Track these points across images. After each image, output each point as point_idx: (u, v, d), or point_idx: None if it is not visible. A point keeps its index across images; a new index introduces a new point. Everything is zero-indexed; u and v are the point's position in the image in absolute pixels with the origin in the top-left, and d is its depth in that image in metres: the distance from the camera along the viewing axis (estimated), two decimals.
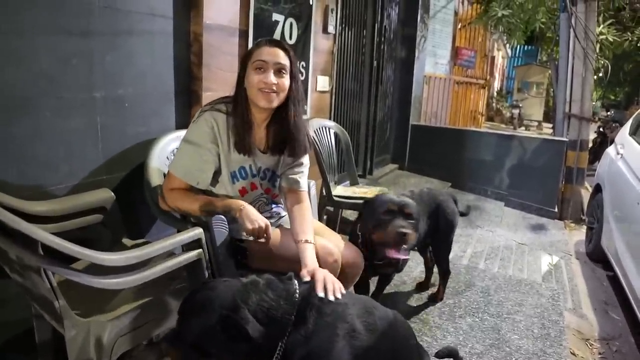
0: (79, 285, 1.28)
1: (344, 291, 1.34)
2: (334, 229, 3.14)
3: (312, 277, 1.37)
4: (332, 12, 3.40)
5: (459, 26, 7.40)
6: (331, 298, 1.27)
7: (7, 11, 1.51)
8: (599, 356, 2.51)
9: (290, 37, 2.91)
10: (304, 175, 1.76)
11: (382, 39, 4.79)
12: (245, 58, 1.62)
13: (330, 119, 3.65)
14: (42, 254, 1.10)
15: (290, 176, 1.73)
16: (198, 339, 1.14)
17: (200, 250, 1.43)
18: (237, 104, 1.60)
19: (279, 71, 1.57)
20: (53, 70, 1.68)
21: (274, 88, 1.56)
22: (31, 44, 1.60)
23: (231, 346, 1.13)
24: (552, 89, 7.89)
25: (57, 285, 1.21)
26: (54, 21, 1.66)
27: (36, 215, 1.51)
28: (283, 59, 1.58)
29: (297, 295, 1.23)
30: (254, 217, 1.54)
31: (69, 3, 1.69)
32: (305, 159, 1.78)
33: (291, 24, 2.88)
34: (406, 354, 1.46)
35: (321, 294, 1.27)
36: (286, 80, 1.59)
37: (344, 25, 3.95)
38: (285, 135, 1.66)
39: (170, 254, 1.46)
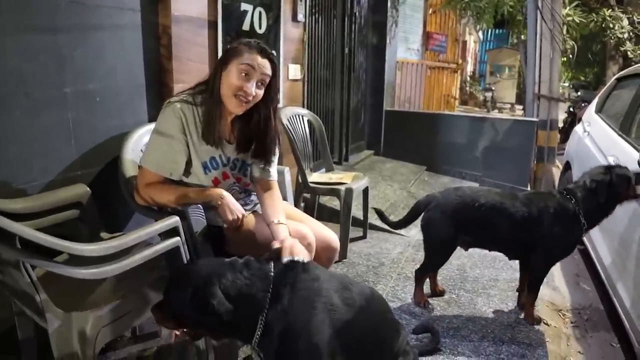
0: (58, 279, 1.30)
1: (309, 258, 1.40)
2: (311, 214, 3.20)
3: (282, 245, 1.41)
4: (300, 1, 3.42)
5: (430, 11, 7.47)
6: (297, 258, 1.34)
7: None
8: (571, 325, 2.62)
9: (260, 27, 2.92)
10: (274, 164, 1.80)
11: (353, 25, 4.82)
12: (230, 52, 1.60)
13: (303, 107, 3.68)
14: (20, 247, 1.12)
15: (261, 166, 1.77)
16: (176, 310, 1.25)
17: (178, 238, 1.45)
18: (211, 95, 1.61)
19: (260, 82, 1.60)
20: (21, 68, 1.66)
21: (249, 98, 1.58)
22: None
23: (202, 319, 1.22)
24: (523, 72, 8.06)
25: (37, 280, 1.22)
26: (20, 19, 1.64)
27: (12, 213, 1.51)
28: (268, 70, 1.61)
29: (271, 273, 1.27)
30: (234, 208, 1.58)
31: (33, 0, 1.68)
32: (276, 149, 1.81)
33: (260, 13, 2.89)
34: (384, 327, 1.51)
35: (286, 258, 1.34)
36: (261, 91, 1.62)
37: (314, 13, 3.97)
38: (255, 139, 1.71)
39: (148, 245, 1.49)
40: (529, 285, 2.34)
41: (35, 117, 1.73)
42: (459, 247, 2.37)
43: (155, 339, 2.00)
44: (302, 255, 1.37)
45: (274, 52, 1.68)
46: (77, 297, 1.40)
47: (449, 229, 2.26)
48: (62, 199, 1.71)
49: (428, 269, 2.46)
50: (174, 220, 1.44)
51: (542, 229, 2.17)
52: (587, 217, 2.16)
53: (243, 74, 1.57)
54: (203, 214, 1.62)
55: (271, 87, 1.65)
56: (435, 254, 2.39)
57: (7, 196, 1.58)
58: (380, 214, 2.65)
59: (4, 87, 1.62)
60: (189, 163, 1.65)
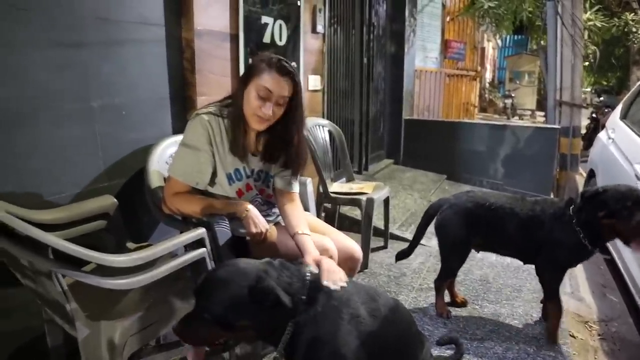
0: (87, 289, 1.33)
1: (346, 279, 1.39)
2: (332, 224, 3.21)
3: (318, 264, 1.40)
4: (320, 12, 3.45)
5: (448, 19, 7.46)
6: (336, 287, 1.30)
7: (1, 27, 1.55)
8: (598, 337, 2.56)
9: (280, 39, 2.95)
10: (296, 178, 1.82)
11: (371, 35, 4.84)
12: (252, 70, 1.62)
13: (323, 117, 3.70)
14: (52, 258, 1.15)
15: (284, 177, 1.78)
16: (225, 310, 1.17)
17: (204, 249, 1.48)
18: (234, 111, 1.64)
19: (278, 102, 1.61)
20: (50, 82, 1.72)
21: (266, 118, 1.61)
22: (27, 59, 1.64)
23: (258, 315, 1.18)
24: (543, 78, 7.97)
25: (68, 289, 1.26)
26: (48, 35, 1.70)
27: (42, 224, 1.55)
28: (288, 91, 1.61)
29: (307, 277, 1.28)
30: (258, 221, 1.60)
31: (61, 16, 1.73)
32: None
33: (280, 26, 2.93)
34: (408, 339, 1.51)
35: (326, 283, 1.31)
36: (280, 110, 1.63)
37: (333, 24, 4.00)
38: (280, 151, 1.72)
39: (173, 256, 1.51)
40: (544, 295, 2.31)
41: (63, 130, 1.78)
42: (477, 255, 2.39)
43: (179, 348, 2.03)
44: (341, 279, 1.35)
45: (294, 64, 1.70)
46: (105, 306, 1.43)
47: (462, 229, 2.27)
48: (90, 210, 1.76)
49: (445, 275, 2.45)
50: (201, 231, 1.46)
51: (542, 232, 2.13)
52: (585, 231, 2.03)
53: (262, 97, 1.58)
54: (228, 225, 1.64)
55: (292, 105, 1.65)
56: (451, 255, 2.38)
57: (37, 207, 1.62)
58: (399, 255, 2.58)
59: (34, 101, 1.67)
60: (214, 174, 1.68)
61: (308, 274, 1.30)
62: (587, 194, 2.03)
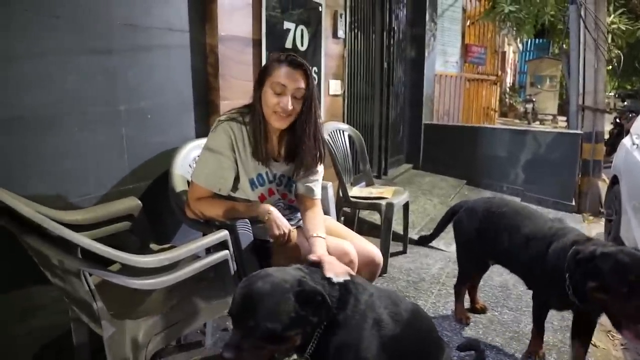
0: (112, 289, 1.37)
1: (350, 272, 1.39)
2: (351, 228, 3.21)
3: (320, 260, 1.40)
4: (341, 17, 3.48)
5: (468, 23, 7.41)
6: (339, 279, 1.31)
7: (32, 35, 1.60)
8: (621, 347, 2.51)
9: (302, 44, 2.98)
10: (318, 183, 1.84)
11: (392, 40, 4.85)
12: (263, 73, 1.66)
13: (343, 121, 3.72)
14: (81, 257, 1.18)
15: (306, 184, 1.81)
16: (277, 322, 1.12)
17: (227, 251, 1.50)
18: (254, 116, 1.67)
19: (295, 95, 1.63)
20: (78, 88, 1.77)
21: (287, 112, 1.62)
22: (57, 65, 1.69)
23: (304, 321, 1.16)
24: (565, 82, 7.85)
25: (94, 286, 1.29)
26: (77, 41, 1.75)
27: (69, 224, 1.60)
28: (302, 83, 1.63)
29: (336, 282, 1.29)
30: (280, 223, 1.62)
31: (90, 23, 1.79)
32: (320, 167, 1.84)
33: (302, 31, 2.96)
34: (428, 343, 1.52)
35: (329, 275, 1.30)
36: (299, 104, 1.65)
37: (353, 29, 4.02)
38: (296, 147, 1.74)
39: (196, 258, 1.54)
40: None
41: (91, 134, 1.83)
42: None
43: (199, 348, 2.07)
44: (343, 274, 1.36)
45: (314, 69, 1.72)
46: (129, 306, 1.47)
47: (472, 232, 2.24)
48: (116, 211, 1.80)
49: (461, 279, 2.42)
50: (224, 234, 1.49)
51: (539, 263, 1.89)
52: (576, 292, 1.70)
53: (278, 92, 1.61)
54: (250, 228, 1.66)
55: (306, 97, 1.66)
56: (463, 257, 2.38)
57: (64, 208, 1.67)
58: (421, 240, 2.66)
59: (63, 105, 1.73)
60: (236, 179, 1.71)
61: (336, 281, 1.30)
62: (581, 256, 1.64)
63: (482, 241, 2.22)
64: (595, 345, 2.35)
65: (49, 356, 1.74)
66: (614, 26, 5.50)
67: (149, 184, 2.08)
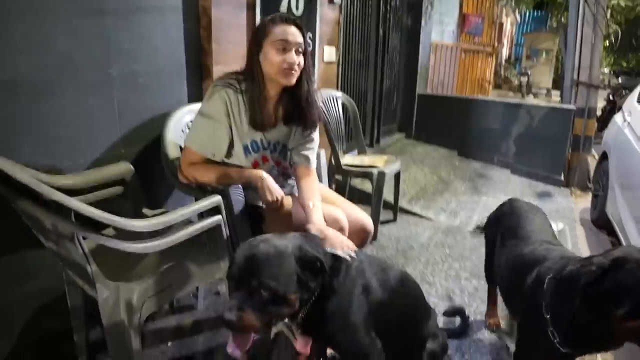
0: (106, 252, 1.38)
1: (354, 248, 1.43)
2: (342, 196, 3.24)
3: (321, 233, 1.45)
4: None
5: None
6: (345, 256, 1.34)
7: None
8: None
9: (297, 8, 2.92)
10: (313, 151, 1.84)
11: (388, 7, 4.76)
12: (260, 34, 1.63)
13: (337, 88, 3.69)
14: (74, 221, 1.19)
15: (302, 152, 1.81)
16: (280, 283, 1.14)
17: (220, 216, 1.52)
18: (253, 80, 1.64)
19: (297, 50, 1.63)
20: (70, 50, 1.73)
21: (296, 67, 1.62)
22: (49, 27, 1.65)
23: (303, 285, 1.19)
24: (561, 56, 7.80)
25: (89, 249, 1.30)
26: (69, 3, 1.70)
27: (62, 189, 1.59)
28: (301, 38, 1.64)
29: (328, 249, 1.32)
30: (273, 188, 1.63)
31: None
32: (316, 135, 1.84)
33: None
34: (415, 309, 1.57)
35: (333, 250, 1.34)
36: (301, 58, 1.65)
37: None
38: (297, 108, 1.72)
39: (188, 222, 1.56)
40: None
41: (82, 98, 1.80)
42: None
43: (191, 312, 2.11)
44: (346, 247, 1.39)
45: (309, 34, 1.69)
46: (123, 270, 1.49)
47: (488, 234, 2.03)
48: (108, 176, 1.80)
49: (486, 275, 2.13)
50: (217, 199, 1.50)
51: (526, 294, 1.47)
52: (554, 323, 1.32)
53: (281, 49, 1.60)
54: (242, 194, 1.67)
55: (305, 52, 1.67)
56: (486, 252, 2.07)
57: (56, 173, 1.66)
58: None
59: (54, 69, 1.69)
60: (230, 145, 1.70)
61: (328, 247, 1.33)
62: (587, 277, 1.18)
63: (493, 246, 1.95)
64: None
65: (44, 319, 1.77)
66: (614, 2, 5.44)
67: (141, 148, 2.06)
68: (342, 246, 1.39)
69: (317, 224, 1.55)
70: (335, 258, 1.33)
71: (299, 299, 1.20)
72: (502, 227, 1.85)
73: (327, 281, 1.27)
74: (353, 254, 1.37)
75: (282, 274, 1.16)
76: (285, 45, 1.60)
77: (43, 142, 1.69)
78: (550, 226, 1.87)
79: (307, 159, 1.81)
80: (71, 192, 1.64)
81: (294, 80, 1.65)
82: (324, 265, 1.21)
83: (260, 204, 1.69)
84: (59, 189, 1.55)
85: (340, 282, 1.31)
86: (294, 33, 1.62)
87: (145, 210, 1.96)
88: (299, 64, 1.63)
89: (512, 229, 1.78)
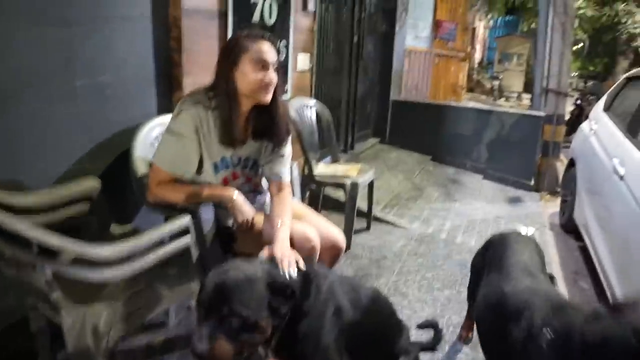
0: None
1: (301, 264, 1.41)
2: (316, 205, 3.24)
3: (272, 257, 1.42)
4: None
5: None
6: (293, 274, 1.33)
7: None
8: None
9: (270, 17, 2.90)
10: (286, 165, 1.82)
11: (363, 13, 4.77)
12: (236, 50, 1.59)
13: (311, 96, 3.67)
14: (37, 251, 1.15)
15: (273, 168, 1.79)
16: (252, 310, 1.13)
17: (189, 237, 1.49)
18: (227, 97, 1.60)
19: (274, 69, 1.62)
20: (31, 61, 1.67)
21: (273, 85, 1.62)
22: (8, 37, 1.58)
23: (274, 312, 1.18)
24: (532, 61, 7.99)
25: (52, 277, 1.26)
26: (30, 12, 1.64)
27: (24, 208, 1.53)
28: (276, 55, 1.63)
29: (297, 272, 1.32)
30: (244, 209, 1.61)
31: None
32: (287, 149, 1.82)
33: (270, 4, 2.87)
34: (387, 327, 1.58)
35: (284, 272, 1.33)
36: (277, 74, 1.64)
37: (324, 2, 3.93)
38: (266, 124, 1.71)
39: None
40: None
41: (46, 110, 1.74)
42: (457, 240, 2.19)
43: (162, 329, 2.07)
44: (292, 267, 1.37)
45: (283, 42, 1.69)
46: (89, 294, 1.44)
47: (477, 262, 1.91)
48: (74, 193, 1.74)
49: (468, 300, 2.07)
50: (185, 220, 1.47)
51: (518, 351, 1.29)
52: None
53: (260, 67, 1.58)
54: (212, 213, 1.64)
55: (278, 69, 1.66)
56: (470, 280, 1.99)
57: (18, 188, 1.60)
58: None
59: (14, 81, 1.63)
60: (200, 162, 1.67)
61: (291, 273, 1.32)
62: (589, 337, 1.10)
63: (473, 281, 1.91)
64: None
65: (9, 341, 1.70)
66: (582, 11, 5.59)
67: (109, 162, 2.01)
68: (284, 263, 1.36)
69: (270, 246, 1.49)
70: (306, 280, 1.32)
71: (270, 324, 1.18)
72: (489, 257, 1.74)
73: (298, 304, 1.26)
74: (293, 271, 1.35)
75: (252, 300, 1.14)
76: (264, 63, 1.58)
77: (3, 157, 1.62)
78: (542, 257, 1.70)
79: (280, 174, 1.80)
80: (35, 210, 1.59)
81: (270, 98, 1.63)
82: (294, 291, 1.20)
83: (231, 223, 1.66)
84: (20, 208, 1.51)
85: (311, 304, 1.30)
86: (270, 51, 1.61)
87: (114, 226, 1.92)
88: (276, 81, 1.62)
89: (496, 260, 1.64)
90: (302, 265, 1.41)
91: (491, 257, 1.72)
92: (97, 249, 1.20)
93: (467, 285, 2.00)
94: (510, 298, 1.40)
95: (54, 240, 1.11)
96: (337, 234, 1.84)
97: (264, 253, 1.46)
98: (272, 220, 1.66)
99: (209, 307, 1.13)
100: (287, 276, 1.32)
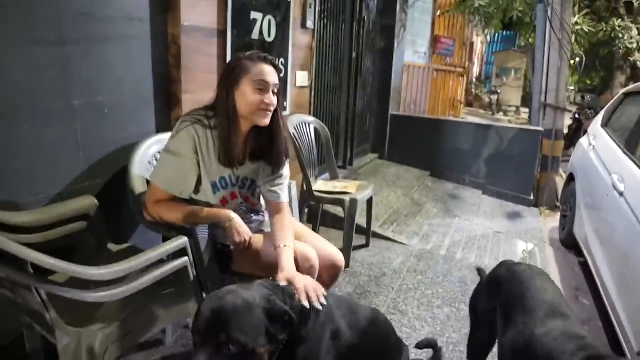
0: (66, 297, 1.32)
1: (325, 294, 1.40)
2: (315, 221, 3.23)
3: (290, 282, 1.40)
4: (310, 7, 3.41)
5: (438, 13, 7.44)
6: (317, 306, 1.31)
7: None
8: None
9: (269, 35, 2.92)
10: (284, 187, 1.81)
11: (361, 30, 4.81)
12: (237, 71, 1.60)
13: (310, 113, 3.69)
14: (32, 272, 1.14)
15: (272, 189, 1.78)
16: (249, 337, 1.11)
17: (186, 258, 1.48)
18: (226, 117, 1.61)
19: (273, 91, 1.63)
20: (29, 80, 1.67)
21: (271, 108, 1.62)
22: (6, 57, 1.59)
23: (271, 337, 1.16)
24: (529, 76, 8.06)
25: (47, 297, 1.25)
26: (28, 31, 1.65)
27: (21, 226, 1.53)
28: (277, 78, 1.64)
29: (296, 296, 1.30)
30: (242, 230, 1.60)
31: (42, 12, 1.68)
32: (286, 170, 1.82)
33: (269, 22, 2.89)
34: (386, 348, 1.56)
35: (305, 303, 1.30)
36: (276, 97, 1.65)
37: (323, 19, 3.96)
38: (265, 146, 1.71)
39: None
40: None
41: (44, 130, 1.74)
42: (457, 256, 2.12)
43: (159, 347, 2.05)
44: (319, 297, 1.35)
45: (282, 60, 1.70)
46: (85, 314, 1.42)
47: (482, 300, 1.73)
48: (71, 211, 1.74)
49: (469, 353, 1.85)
50: (183, 241, 1.46)
51: None
52: None
53: (259, 89, 1.59)
54: (207, 233, 1.64)
55: (279, 92, 1.68)
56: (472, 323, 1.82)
57: (16, 208, 1.60)
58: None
59: (12, 100, 1.63)
60: (198, 182, 1.67)
61: (295, 295, 1.30)
62: None
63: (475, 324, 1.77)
64: None
65: None
66: (578, 27, 5.64)
67: (106, 181, 2.00)
68: (311, 295, 1.34)
69: (285, 271, 1.49)
70: (304, 305, 1.30)
71: (268, 351, 1.17)
72: (502, 295, 1.56)
73: (296, 329, 1.24)
74: (322, 302, 1.34)
75: (251, 327, 1.12)
76: (264, 86, 1.59)
77: (0, 177, 1.62)
78: (560, 293, 1.55)
79: (278, 194, 1.79)
80: (31, 229, 1.58)
81: (268, 121, 1.64)
82: (293, 318, 1.18)
83: (228, 243, 1.65)
84: (16, 226, 1.51)
85: (309, 329, 1.28)
86: (271, 73, 1.62)
87: (111, 246, 1.91)
88: (274, 105, 1.63)
89: (516, 300, 1.47)
90: (324, 293, 1.38)
91: (507, 296, 1.53)
92: (93, 270, 1.18)
93: (469, 336, 1.79)
94: (544, 346, 1.27)
95: (50, 261, 1.10)
96: (335, 253, 1.83)
97: (280, 278, 1.44)
98: (274, 243, 1.64)
99: (206, 334, 1.11)
100: (317, 307, 1.31)
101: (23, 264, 1.13)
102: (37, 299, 1.22)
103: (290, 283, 1.39)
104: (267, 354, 1.17)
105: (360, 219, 3.39)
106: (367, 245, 3.43)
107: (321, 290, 1.38)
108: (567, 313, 1.40)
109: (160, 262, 1.43)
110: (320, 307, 1.31)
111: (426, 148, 5.65)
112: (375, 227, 3.58)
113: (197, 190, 1.68)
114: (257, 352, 1.13)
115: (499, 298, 1.56)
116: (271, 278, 1.41)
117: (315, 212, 3.37)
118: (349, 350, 1.34)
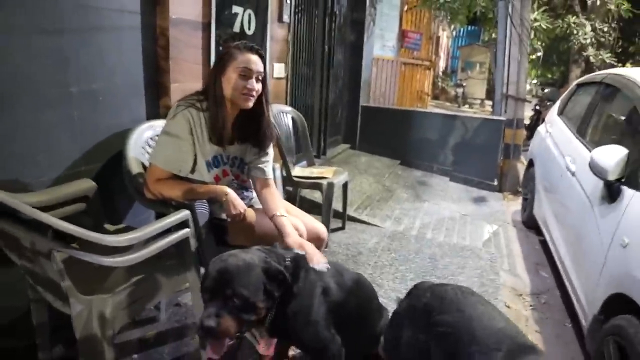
0: (78, 267, 1.44)
1: (326, 260, 1.60)
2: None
3: (301, 248, 1.60)
4: (286, 1, 3.56)
5: (405, 8, 7.68)
6: (323, 269, 1.52)
7: None
8: (530, 307, 2.89)
9: (249, 28, 3.05)
10: (269, 164, 1.98)
11: (333, 24, 4.98)
12: (225, 58, 1.77)
13: (286, 103, 3.83)
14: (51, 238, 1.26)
15: (258, 166, 1.95)
16: (251, 293, 1.28)
17: (188, 229, 1.62)
18: (215, 102, 1.77)
19: (257, 78, 1.78)
20: (29, 68, 1.76)
21: (254, 93, 1.77)
22: (6, 45, 1.67)
23: (269, 294, 1.33)
24: (493, 69, 8.43)
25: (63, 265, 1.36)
26: (29, 21, 1.74)
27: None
28: (262, 66, 1.79)
29: (288, 258, 1.47)
30: (237, 203, 1.75)
31: (42, 2, 1.78)
32: (270, 149, 1.99)
33: (249, 15, 3.03)
34: (369, 309, 1.74)
35: (314, 265, 1.52)
36: (260, 84, 1.80)
37: (297, 12, 4.11)
38: (252, 129, 1.87)
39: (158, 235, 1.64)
40: None
41: (42, 116, 1.83)
42: (427, 235, 2.35)
43: (154, 324, 2.17)
44: (324, 262, 1.57)
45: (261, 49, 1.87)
46: (95, 284, 1.54)
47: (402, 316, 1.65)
48: (71, 193, 1.83)
49: None
50: (186, 213, 1.60)
51: None
52: None
53: (243, 75, 1.74)
54: (207, 208, 1.78)
55: (264, 79, 1.84)
56: None
57: (16, 191, 1.68)
58: None
59: (12, 86, 1.71)
60: (194, 161, 1.81)
61: (288, 257, 1.47)
62: None
63: None
64: (508, 307, 2.70)
65: (6, 338, 1.77)
66: (537, 23, 5.96)
67: (101, 165, 2.11)
68: (321, 261, 1.55)
69: (292, 236, 1.68)
70: (296, 265, 1.47)
71: (265, 306, 1.34)
72: (436, 327, 1.38)
73: (289, 287, 1.41)
74: (327, 266, 1.54)
75: (251, 283, 1.30)
76: (247, 73, 1.74)
77: (1, 161, 1.70)
78: (500, 312, 1.44)
79: (264, 171, 1.95)
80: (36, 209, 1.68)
81: (251, 104, 1.79)
82: (287, 277, 1.35)
83: (224, 216, 1.80)
84: None
85: (301, 286, 1.45)
86: (256, 62, 1.77)
87: (107, 226, 2.01)
88: (257, 90, 1.78)
89: (461, 332, 1.31)
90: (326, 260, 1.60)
91: (444, 328, 1.35)
92: (110, 237, 1.32)
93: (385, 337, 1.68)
94: None
95: (72, 227, 1.22)
96: (319, 227, 2.01)
97: (291, 244, 1.64)
98: (269, 213, 1.81)
99: (213, 290, 1.28)
100: (323, 269, 1.53)
101: (45, 232, 1.25)
102: (54, 267, 1.33)
103: (301, 249, 1.57)
104: (265, 308, 1.34)
105: (336, 204, 3.57)
106: (343, 228, 3.62)
107: (325, 258, 1.58)
108: (531, 344, 1.26)
109: (166, 234, 1.56)
110: (324, 269, 1.51)
111: (396, 138, 5.88)
112: (350, 212, 3.77)
113: (192, 169, 1.82)
114: (257, 306, 1.31)
115: (432, 331, 1.37)
116: (277, 244, 1.58)
117: (293, 197, 3.53)
118: (337, 306, 1.52)
